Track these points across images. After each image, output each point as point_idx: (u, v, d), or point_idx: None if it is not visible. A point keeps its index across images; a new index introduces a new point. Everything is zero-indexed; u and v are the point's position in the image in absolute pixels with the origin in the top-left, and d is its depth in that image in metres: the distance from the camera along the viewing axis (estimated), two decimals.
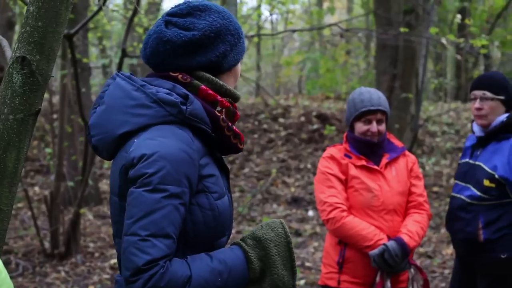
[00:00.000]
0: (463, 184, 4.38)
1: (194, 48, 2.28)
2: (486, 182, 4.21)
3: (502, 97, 4.28)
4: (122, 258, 2.08)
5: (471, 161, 4.40)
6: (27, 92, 2.09)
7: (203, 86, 2.26)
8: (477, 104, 4.35)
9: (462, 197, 4.36)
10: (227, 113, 2.31)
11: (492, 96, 4.29)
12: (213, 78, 2.30)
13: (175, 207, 2.06)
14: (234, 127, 2.30)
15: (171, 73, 2.29)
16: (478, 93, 4.35)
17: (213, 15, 2.32)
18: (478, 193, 4.25)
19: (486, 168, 4.24)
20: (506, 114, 4.29)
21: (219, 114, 2.25)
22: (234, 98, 2.37)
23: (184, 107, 2.17)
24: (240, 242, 2.25)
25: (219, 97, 2.28)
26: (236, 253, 2.20)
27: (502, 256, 4.21)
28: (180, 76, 2.27)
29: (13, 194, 2.16)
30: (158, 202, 2.04)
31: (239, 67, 2.44)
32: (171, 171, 2.06)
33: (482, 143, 4.37)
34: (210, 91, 2.26)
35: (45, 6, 2.07)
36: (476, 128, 4.44)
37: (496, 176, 4.17)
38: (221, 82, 2.31)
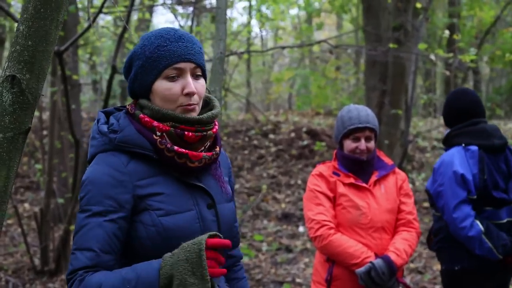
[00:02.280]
0: None
1: (126, 80, 2.55)
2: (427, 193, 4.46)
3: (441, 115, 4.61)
4: None
5: None
6: (17, 110, 2.08)
7: (141, 115, 2.41)
8: None
9: None
10: (169, 136, 2.38)
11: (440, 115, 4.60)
12: (150, 104, 2.42)
13: (97, 224, 2.25)
14: (177, 148, 2.36)
15: (127, 105, 2.51)
16: None
17: (138, 43, 2.47)
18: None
19: None
20: (449, 130, 4.55)
21: (156, 138, 2.36)
22: (177, 120, 2.39)
23: (114, 136, 2.37)
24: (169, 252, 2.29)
25: (155, 122, 2.38)
26: (153, 262, 2.22)
27: (443, 268, 4.36)
28: (129, 107, 2.48)
29: (3, 213, 2.16)
30: (82, 220, 2.28)
31: (162, 85, 2.40)
32: (95, 193, 2.29)
33: None
34: (147, 118, 2.40)
35: (35, 25, 2.07)
36: None
37: (425, 187, 4.45)
38: (157, 108, 2.40)
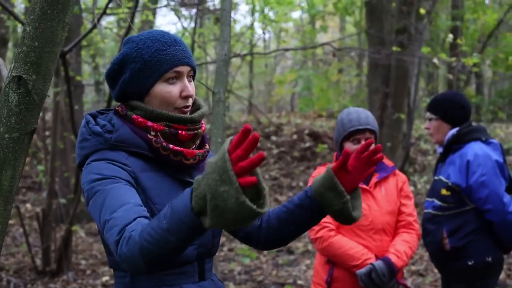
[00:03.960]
0: (430, 199, 4.56)
1: (110, 81, 2.52)
2: (443, 191, 4.41)
3: (437, 116, 4.55)
4: None
5: (435, 177, 4.59)
6: (23, 111, 2.10)
7: (134, 115, 2.43)
8: (426, 124, 4.70)
9: (429, 210, 4.54)
10: (163, 135, 2.41)
11: (431, 116, 4.58)
12: (143, 105, 2.44)
13: (115, 185, 2.23)
14: (172, 146, 2.39)
15: (116, 107, 2.52)
16: (427, 114, 4.68)
17: (128, 46, 2.46)
18: (439, 203, 4.43)
19: (443, 179, 4.44)
20: (457, 128, 4.50)
21: (150, 137, 2.39)
22: (171, 120, 2.42)
23: (110, 136, 2.38)
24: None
25: (149, 122, 2.41)
26: (187, 190, 2.00)
27: (470, 263, 4.33)
28: (119, 109, 2.49)
29: (8, 212, 2.18)
30: (97, 188, 2.25)
31: (162, 88, 2.42)
32: (99, 168, 2.29)
33: (442, 158, 4.58)
34: (141, 119, 2.42)
35: (42, 27, 2.09)
36: (438, 146, 4.68)
37: (450, 183, 4.38)
38: (150, 108, 2.42)
